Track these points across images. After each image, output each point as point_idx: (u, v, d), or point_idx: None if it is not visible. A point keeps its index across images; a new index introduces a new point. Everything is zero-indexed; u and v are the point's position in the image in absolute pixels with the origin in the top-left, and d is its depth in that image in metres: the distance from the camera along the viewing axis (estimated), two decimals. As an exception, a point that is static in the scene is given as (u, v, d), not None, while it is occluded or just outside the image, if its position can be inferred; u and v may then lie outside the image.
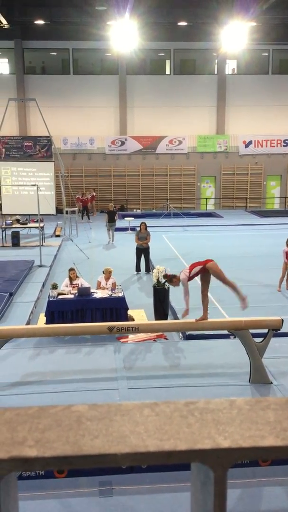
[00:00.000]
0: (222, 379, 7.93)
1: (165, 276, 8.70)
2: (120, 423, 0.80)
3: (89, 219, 26.09)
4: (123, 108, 30.80)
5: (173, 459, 0.74)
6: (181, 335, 10.02)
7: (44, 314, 10.51)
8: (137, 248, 15.07)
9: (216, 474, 0.73)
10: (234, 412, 0.82)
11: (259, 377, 7.73)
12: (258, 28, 26.81)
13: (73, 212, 23.40)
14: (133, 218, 23.78)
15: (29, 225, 21.43)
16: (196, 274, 7.86)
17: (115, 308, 10.33)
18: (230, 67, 31.86)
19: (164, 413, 0.82)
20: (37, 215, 17.82)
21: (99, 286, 11.10)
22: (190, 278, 7.84)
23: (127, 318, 10.31)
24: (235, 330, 7.86)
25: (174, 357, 8.93)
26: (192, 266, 7.93)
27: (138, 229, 15.53)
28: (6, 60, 30.96)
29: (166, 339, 9.92)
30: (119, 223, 24.91)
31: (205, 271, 7.86)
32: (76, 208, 25.26)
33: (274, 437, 0.76)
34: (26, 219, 22.06)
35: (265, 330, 7.86)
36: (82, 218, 25.86)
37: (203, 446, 0.74)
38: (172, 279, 8.15)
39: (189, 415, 0.82)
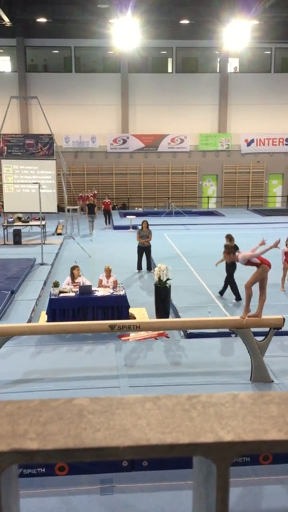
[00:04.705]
0: (223, 378, 7.92)
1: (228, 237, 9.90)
2: (122, 417, 0.79)
3: (109, 223, 24.70)
4: (125, 106, 30.77)
5: (176, 452, 0.74)
6: (182, 333, 10.02)
7: (45, 312, 10.51)
8: (138, 247, 15.06)
9: (219, 468, 0.73)
10: (237, 406, 0.82)
11: (260, 375, 7.72)
12: (260, 26, 26.78)
13: (75, 210, 23.42)
14: (134, 217, 23.77)
15: (30, 223, 21.43)
16: (250, 263, 7.75)
17: (116, 306, 10.32)
18: (232, 65, 31.81)
19: (166, 407, 0.82)
20: (38, 213, 17.82)
21: (100, 284, 11.10)
22: (247, 261, 7.72)
23: (128, 316, 10.30)
24: (237, 329, 7.84)
25: (175, 355, 8.93)
26: (261, 258, 7.81)
27: (139, 227, 15.52)
28: (8, 58, 30.95)
29: (167, 337, 9.92)
30: (121, 222, 24.98)
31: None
32: (78, 206, 25.24)
33: (277, 431, 0.76)
34: (28, 217, 22.06)
35: (267, 329, 7.85)
36: (106, 223, 24.58)
37: (206, 439, 0.74)
38: (230, 251, 7.98)
39: (192, 408, 0.81)
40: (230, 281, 11.85)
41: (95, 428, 0.77)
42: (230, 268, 11.73)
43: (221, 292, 12.16)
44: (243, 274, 8.66)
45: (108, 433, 0.75)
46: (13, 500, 0.80)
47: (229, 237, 12.38)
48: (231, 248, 8.12)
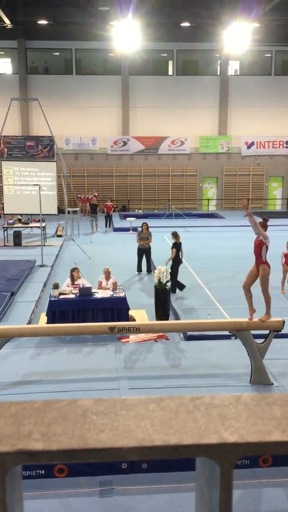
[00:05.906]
0: (223, 380, 7.92)
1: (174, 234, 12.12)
2: (125, 418, 0.80)
3: (109, 227, 24.20)
4: (126, 108, 30.81)
5: (179, 454, 0.74)
6: (182, 335, 10.02)
7: (45, 313, 10.51)
8: (138, 249, 15.07)
9: (222, 469, 0.74)
10: (240, 408, 0.82)
11: (260, 378, 7.72)
12: (260, 29, 26.82)
13: (75, 212, 23.44)
14: (134, 219, 23.77)
15: (31, 224, 21.44)
16: (259, 253, 7.92)
17: (116, 308, 10.32)
18: (233, 68, 31.86)
19: (170, 408, 0.82)
20: (39, 215, 17.83)
21: (100, 286, 11.11)
22: (262, 246, 7.78)
23: (128, 318, 10.30)
24: (236, 331, 7.85)
25: (175, 358, 8.93)
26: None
27: (139, 229, 15.54)
28: (9, 60, 31.00)
29: (167, 339, 9.92)
30: (121, 224, 24.98)
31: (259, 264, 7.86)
32: (78, 208, 25.23)
33: (280, 433, 0.76)
34: (28, 219, 22.08)
35: (266, 331, 7.85)
36: (106, 226, 24.09)
37: (210, 440, 0.74)
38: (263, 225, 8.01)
39: (195, 410, 0.82)
40: (172, 275, 12.35)
41: (99, 429, 0.77)
42: (176, 263, 12.62)
43: (174, 290, 12.35)
44: (241, 277, 8.69)
45: (112, 434, 0.76)
46: (17, 500, 0.80)
47: (175, 234, 13.21)
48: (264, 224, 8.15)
